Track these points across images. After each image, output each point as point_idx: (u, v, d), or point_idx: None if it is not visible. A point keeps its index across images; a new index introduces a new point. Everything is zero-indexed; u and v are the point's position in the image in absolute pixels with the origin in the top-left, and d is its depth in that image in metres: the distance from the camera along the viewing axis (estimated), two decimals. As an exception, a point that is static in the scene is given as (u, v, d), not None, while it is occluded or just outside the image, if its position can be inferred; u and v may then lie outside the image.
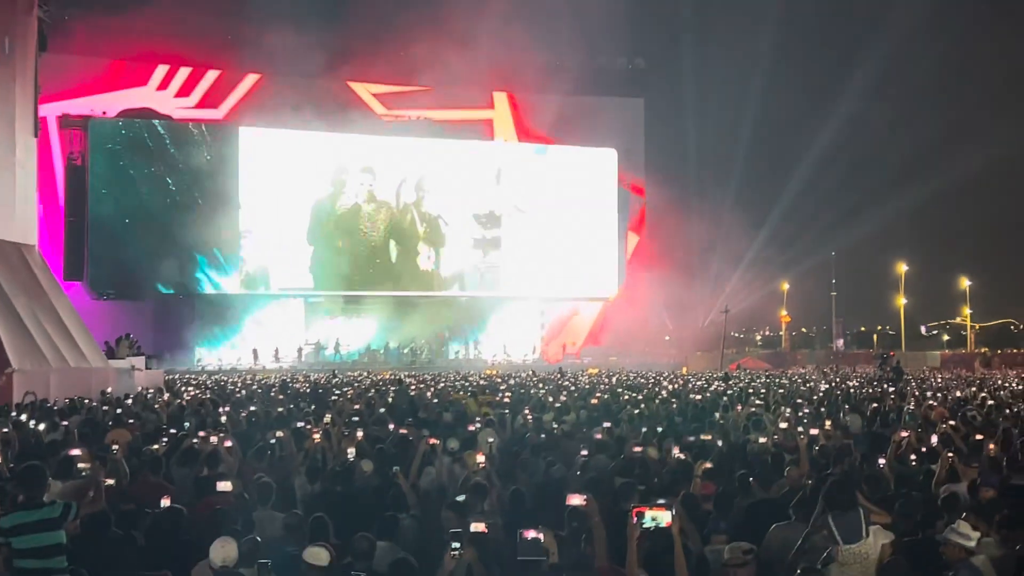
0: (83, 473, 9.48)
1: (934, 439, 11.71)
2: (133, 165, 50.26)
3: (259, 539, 7.27)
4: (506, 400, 21.20)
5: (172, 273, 51.17)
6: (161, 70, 53.86)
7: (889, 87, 67.84)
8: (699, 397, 21.79)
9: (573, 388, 26.74)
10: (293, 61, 53.56)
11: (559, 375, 35.60)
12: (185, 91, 54.55)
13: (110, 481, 9.39)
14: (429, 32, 56.61)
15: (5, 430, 13.26)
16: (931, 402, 20.15)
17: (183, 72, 54.20)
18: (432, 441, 11.34)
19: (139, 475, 10.40)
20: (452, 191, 57.52)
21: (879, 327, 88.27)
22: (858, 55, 66.36)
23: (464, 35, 55.04)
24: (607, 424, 14.20)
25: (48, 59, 34.01)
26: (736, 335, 79.15)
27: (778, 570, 7.08)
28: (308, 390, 27.23)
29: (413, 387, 26.82)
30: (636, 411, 17.34)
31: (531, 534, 5.95)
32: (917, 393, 24.61)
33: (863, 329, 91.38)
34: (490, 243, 58.65)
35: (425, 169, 56.62)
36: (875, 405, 19.02)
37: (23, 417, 16.09)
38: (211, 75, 54.73)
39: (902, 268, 72.96)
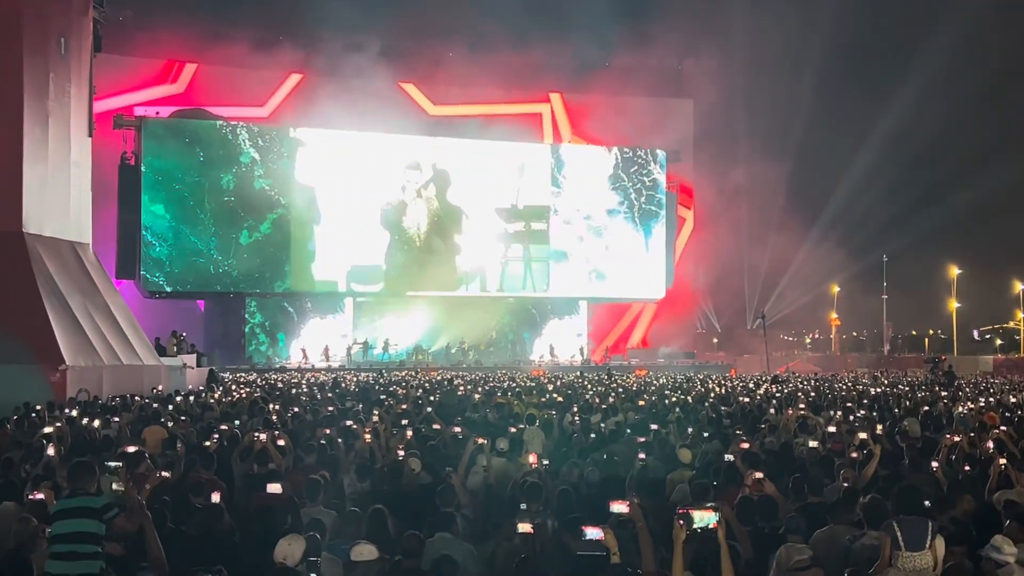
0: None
1: (989, 444, 11.54)
2: (186, 164, 50.50)
3: (318, 536, 7.30)
4: (557, 399, 21.18)
5: (224, 271, 51.48)
6: (209, 70, 54.49)
7: (945, 86, 66.46)
8: (747, 400, 21.68)
9: (620, 390, 26.64)
10: (340, 60, 54.00)
11: (607, 377, 35.49)
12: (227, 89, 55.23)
13: (166, 474, 9.51)
14: (477, 33, 57.02)
15: (58, 424, 13.48)
16: (982, 406, 19.90)
17: (225, 71, 54.72)
18: (480, 440, 11.34)
19: (191, 470, 10.50)
20: (499, 191, 57.33)
21: (931, 331, 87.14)
22: (915, 52, 65.07)
23: (514, 36, 55.22)
24: (655, 426, 14.12)
25: (102, 59, 34.48)
26: (785, 338, 78.48)
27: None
28: (356, 389, 27.39)
29: (461, 387, 26.87)
30: (684, 414, 17.16)
31: (593, 531, 5.92)
32: (970, 398, 24.26)
33: (914, 333, 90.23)
34: (536, 244, 58.39)
35: (472, 168, 56.35)
36: (926, 408, 18.83)
37: (74, 413, 16.35)
38: (256, 75, 54.97)
39: (954, 272, 71.99)
